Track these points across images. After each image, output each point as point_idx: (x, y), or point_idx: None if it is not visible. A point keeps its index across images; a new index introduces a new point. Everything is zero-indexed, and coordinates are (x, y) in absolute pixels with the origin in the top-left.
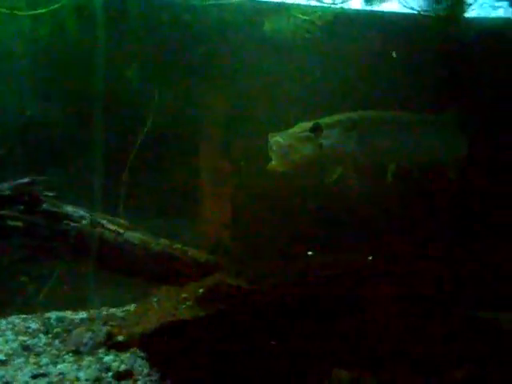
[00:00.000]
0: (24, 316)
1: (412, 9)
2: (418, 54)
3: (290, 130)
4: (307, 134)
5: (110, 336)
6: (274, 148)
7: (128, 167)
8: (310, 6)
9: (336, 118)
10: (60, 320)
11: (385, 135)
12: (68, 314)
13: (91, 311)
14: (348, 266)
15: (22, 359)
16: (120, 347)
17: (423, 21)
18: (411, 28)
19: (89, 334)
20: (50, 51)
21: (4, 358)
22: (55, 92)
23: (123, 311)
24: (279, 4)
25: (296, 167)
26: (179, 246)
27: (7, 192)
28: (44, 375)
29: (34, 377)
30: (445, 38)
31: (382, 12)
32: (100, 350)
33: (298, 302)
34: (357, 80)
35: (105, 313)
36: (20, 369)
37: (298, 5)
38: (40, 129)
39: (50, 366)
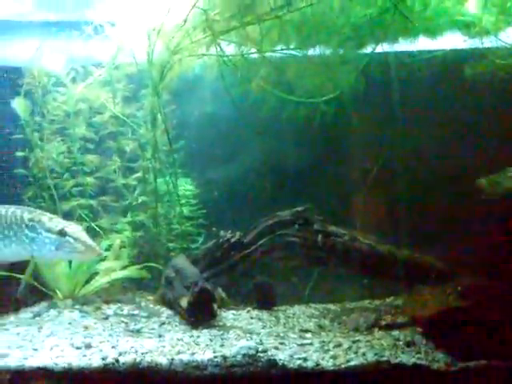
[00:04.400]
0: (298, 306)
1: None
2: None
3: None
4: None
5: (376, 320)
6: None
7: None
8: None
9: None
10: (325, 309)
11: None
12: (328, 305)
13: (341, 303)
14: None
15: (324, 333)
16: (387, 328)
17: None
18: None
19: (362, 319)
20: None
21: (314, 330)
22: None
23: (370, 303)
24: None
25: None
26: (418, 255)
27: (288, 217)
28: (359, 341)
29: (354, 342)
30: None
31: None
32: (373, 330)
33: None
34: None
35: (357, 305)
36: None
37: None
38: None
39: (350, 338)
